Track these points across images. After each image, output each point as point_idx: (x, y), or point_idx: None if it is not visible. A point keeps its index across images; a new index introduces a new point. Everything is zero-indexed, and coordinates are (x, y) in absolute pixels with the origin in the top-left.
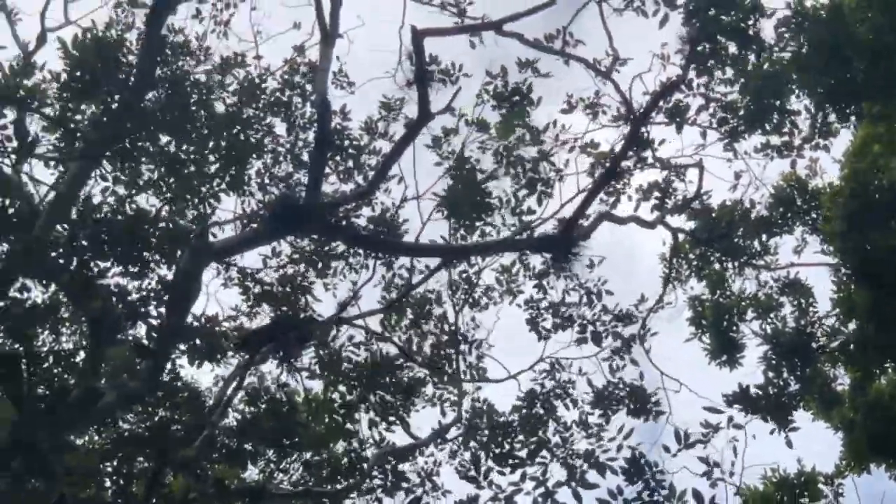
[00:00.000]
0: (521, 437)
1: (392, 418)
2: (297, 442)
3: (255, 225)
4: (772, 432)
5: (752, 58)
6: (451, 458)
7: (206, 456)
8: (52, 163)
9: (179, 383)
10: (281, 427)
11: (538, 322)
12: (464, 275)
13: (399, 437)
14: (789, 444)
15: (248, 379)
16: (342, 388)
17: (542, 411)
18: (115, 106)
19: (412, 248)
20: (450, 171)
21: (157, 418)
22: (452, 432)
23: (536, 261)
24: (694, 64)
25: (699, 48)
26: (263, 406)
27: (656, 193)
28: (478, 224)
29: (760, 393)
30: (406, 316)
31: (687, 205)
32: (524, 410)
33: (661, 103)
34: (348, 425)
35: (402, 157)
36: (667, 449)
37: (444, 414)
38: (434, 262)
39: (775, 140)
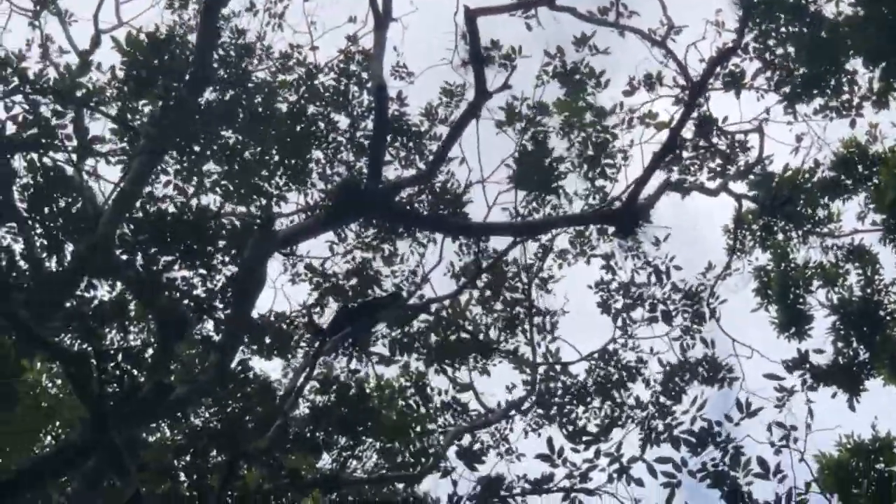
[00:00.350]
0: (595, 405)
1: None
2: (370, 428)
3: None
4: (833, 395)
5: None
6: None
7: (279, 447)
8: (113, 160)
9: (249, 375)
10: (352, 414)
11: (609, 304)
12: (537, 247)
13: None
14: (852, 408)
15: (319, 368)
16: (417, 368)
17: (617, 374)
18: (171, 103)
19: (478, 227)
20: (518, 146)
21: (228, 411)
22: (526, 405)
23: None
24: (748, 27)
25: (754, 11)
26: (334, 394)
27: (718, 160)
28: (548, 198)
29: (829, 363)
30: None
31: (749, 170)
32: (600, 371)
33: (717, 70)
34: (422, 409)
35: (465, 140)
36: (729, 418)
37: (514, 386)
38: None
39: (834, 102)
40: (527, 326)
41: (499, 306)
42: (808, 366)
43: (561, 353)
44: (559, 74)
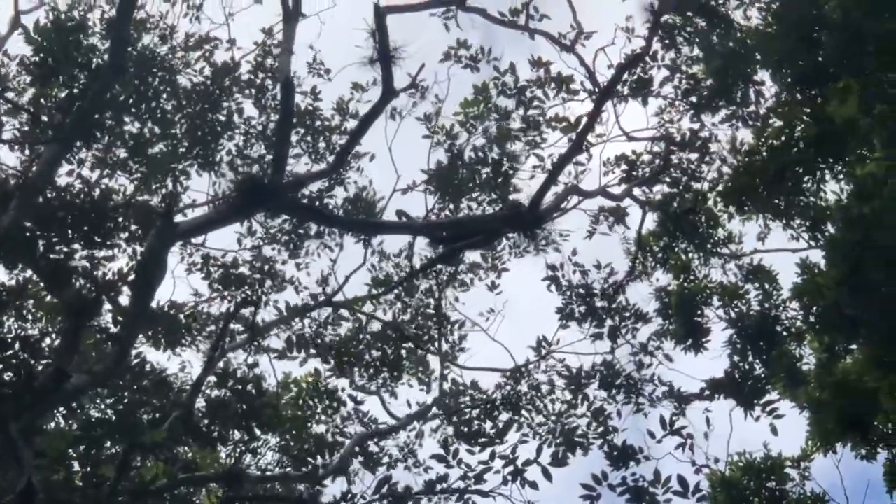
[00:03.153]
0: (503, 416)
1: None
2: (266, 423)
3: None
4: (757, 419)
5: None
6: (433, 434)
7: (175, 439)
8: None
9: (146, 367)
10: (248, 409)
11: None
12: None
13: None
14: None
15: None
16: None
17: (525, 389)
18: (78, 90)
19: (384, 225)
20: (431, 146)
21: (124, 402)
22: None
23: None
24: (658, 35)
25: (663, 19)
26: (231, 388)
27: (623, 166)
28: (462, 200)
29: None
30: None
31: (654, 177)
32: (508, 388)
33: (626, 76)
34: (327, 404)
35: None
36: (652, 434)
37: (428, 391)
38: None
39: (740, 112)
40: (436, 337)
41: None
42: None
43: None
44: (469, 66)
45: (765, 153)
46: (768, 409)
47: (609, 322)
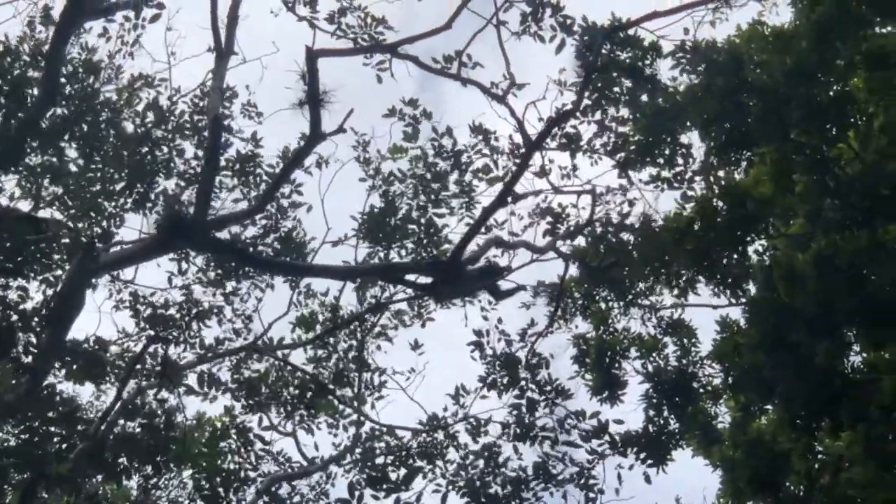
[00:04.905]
0: (418, 463)
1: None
2: (174, 458)
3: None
4: (630, 467)
5: (644, 98)
6: (346, 475)
7: (81, 471)
8: None
9: (56, 398)
10: (157, 443)
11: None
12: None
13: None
14: (648, 481)
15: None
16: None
17: (441, 437)
18: (13, 122)
19: (309, 268)
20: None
21: (31, 432)
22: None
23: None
24: (588, 92)
25: (594, 76)
26: (141, 422)
27: (549, 218)
28: (393, 247)
29: (638, 431)
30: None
31: (579, 231)
32: (424, 436)
33: (555, 130)
34: (240, 442)
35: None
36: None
37: (341, 435)
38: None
39: (666, 172)
40: (355, 381)
41: (331, 360)
42: (608, 436)
43: (394, 410)
44: (410, 125)
45: (685, 233)
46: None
47: (530, 394)
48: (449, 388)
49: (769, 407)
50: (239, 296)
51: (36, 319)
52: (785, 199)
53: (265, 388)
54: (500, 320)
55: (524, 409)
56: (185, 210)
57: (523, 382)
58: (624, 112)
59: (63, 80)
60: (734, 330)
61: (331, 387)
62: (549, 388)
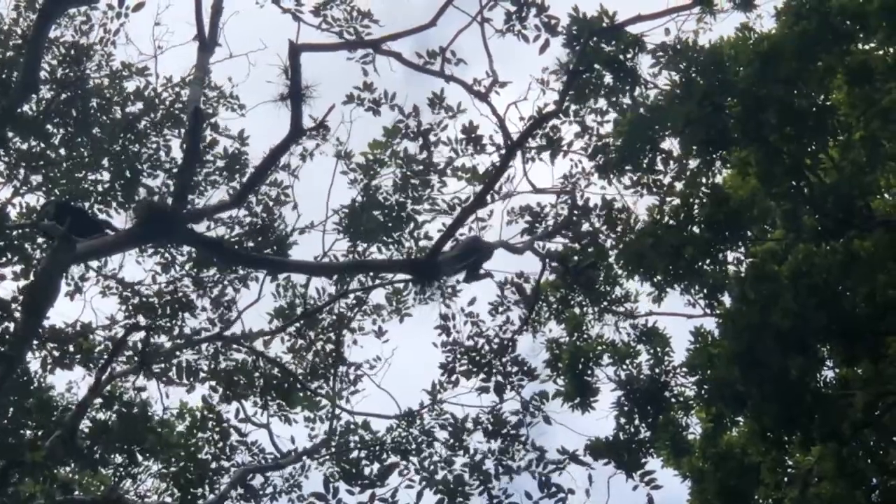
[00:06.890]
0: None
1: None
2: (148, 448)
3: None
4: (635, 488)
5: (625, 99)
6: (320, 468)
7: (55, 459)
8: None
9: (31, 387)
10: (132, 433)
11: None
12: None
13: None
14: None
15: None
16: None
17: (416, 433)
18: None
19: (287, 264)
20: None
21: (5, 420)
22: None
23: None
24: (571, 91)
25: (576, 74)
26: (116, 411)
27: (527, 218)
28: (375, 244)
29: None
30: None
31: (557, 231)
32: (398, 431)
33: (537, 130)
34: (216, 431)
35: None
36: (528, 496)
37: (315, 428)
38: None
39: (645, 179)
40: (331, 375)
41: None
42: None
43: (367, 405)
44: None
45: (660, 232)
46: (646, 479)
47: (496, 378)
48: (426, 384)
49: (740, 419)
50: (218, 286)
51: (13, 307)
52: (763, 201)
53: (242, 379)
54: (471, 301)
55: (492, 391)
56: (162, 201)
57: (487, 367)
58: (602, 103)
59: (47, 65)
60: (708, 341)
61: (308, 381)
62: (515, 368)
